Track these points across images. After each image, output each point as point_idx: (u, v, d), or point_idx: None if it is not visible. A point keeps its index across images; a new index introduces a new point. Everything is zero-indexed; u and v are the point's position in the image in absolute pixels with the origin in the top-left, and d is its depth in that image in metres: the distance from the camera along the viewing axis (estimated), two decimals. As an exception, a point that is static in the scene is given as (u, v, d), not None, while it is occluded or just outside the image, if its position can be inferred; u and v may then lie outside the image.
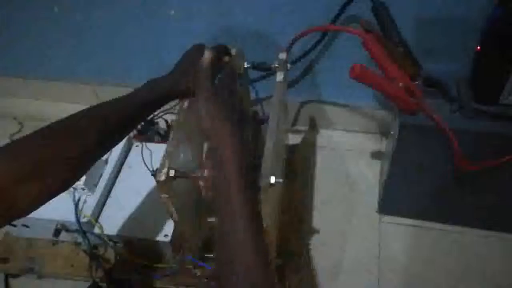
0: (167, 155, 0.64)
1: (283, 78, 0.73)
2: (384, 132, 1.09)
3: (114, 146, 0.59)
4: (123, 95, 0.60)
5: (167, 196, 0.63)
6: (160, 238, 0.82)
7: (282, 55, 0.75)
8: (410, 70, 0.72)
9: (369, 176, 1.01)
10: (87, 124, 0.55)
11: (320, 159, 1.06)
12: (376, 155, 1.05)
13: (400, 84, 0.68)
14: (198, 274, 0.83)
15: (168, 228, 0.82)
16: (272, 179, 0.60)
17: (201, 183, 0.61)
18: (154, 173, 0.62)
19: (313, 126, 1.12)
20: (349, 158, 1.05)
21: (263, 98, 0.86)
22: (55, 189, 0.51)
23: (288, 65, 0.76)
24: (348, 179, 1.02)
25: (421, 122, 0.72)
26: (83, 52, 1.11)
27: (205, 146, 0.68)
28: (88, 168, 0.57)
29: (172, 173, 0.62)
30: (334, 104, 1.08)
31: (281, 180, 0.59)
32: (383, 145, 1.07)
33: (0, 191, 0.45)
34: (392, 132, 0.83)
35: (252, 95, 0.85)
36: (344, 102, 1.07)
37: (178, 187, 0.66)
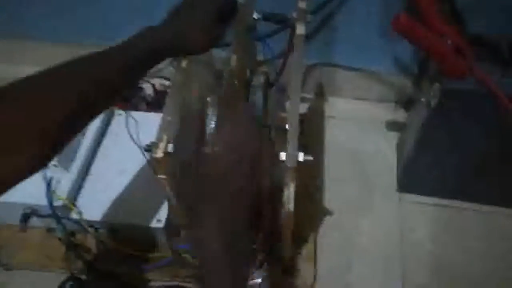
0: (164, 126, 0.50)
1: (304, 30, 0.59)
2: (399, 101, 0.97)
3: (99, 114, 0.46)
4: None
5: (164, 176, 0.50)
6: (152, 224, 0.70)
7: (302, 4, 0.61)
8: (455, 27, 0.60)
9: (385, 150, 0.90)
10: (67, 84, 0.42)
11: (330, 131, 0.94)
12: (392, 126, 0.93)
13: (449, 42, 0.56)
14: (196, 264, 0.71)
15: (161, 212, 0.70)
16: (301, 156, 0.47)
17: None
18: (149, 149, 0.49)
19: (321, 94, 1.00)
20: (362, 130, 0.94)
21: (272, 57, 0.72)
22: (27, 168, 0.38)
23: (309, 16, 0.62)
24: (361, 154, 0.90)
25: (468, 88, 0.60)
26: (60, 8, 0.94)
27: (210, 114, 0.55)
28: (68, 141, 0.43)
29: (171, 148, 0.49)
30: (346, 68, 0.95)
31: (311, 158, 0.47)
32: (399, 115, 0.95)
33: None
34: (423, 100, 0.72)
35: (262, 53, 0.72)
36: (357, 66, 0.94)
37: (177, 165, 0.53)
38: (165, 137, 0.49)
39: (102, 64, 0.44)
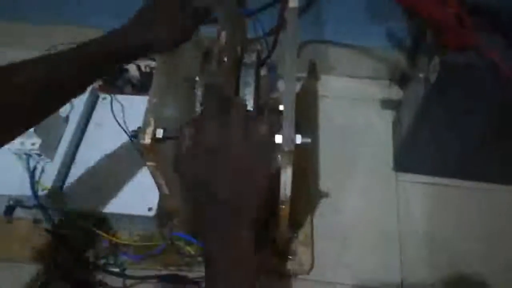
0: (151, 109, 0.47)
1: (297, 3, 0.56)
2: (393, 78, 0.94)
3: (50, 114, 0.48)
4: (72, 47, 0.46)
5: (154, 164, 0.47)
6: (143, 212, 0.67)
7: (294, -25, 0.58)
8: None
9: (380, 128, 0.88)
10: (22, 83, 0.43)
11: (323, 110, 0.91)
12: (386, 104, 0.91)
13: (450, 10, 0.53)
14: (190, 252, 0.69)
15: (152, 199, 0.67)
16: (298, 139, 0.44)
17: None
18: (135, 134, 0.46)
19: (313, 72, 0.96)
20: (356, 108, 0.91)
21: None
22: None
23: (301, -11, 0.58)
24: (356, 133, 0.88)
25: (468, 62, 0.58)
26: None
27: (198, 95, 0.51)
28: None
29: (160, 133, 0.45)
30: (338, 44, 0.91)
31: (309, 140, 0.44)
32: (393, 92, 0.93)
33: None
34: (420, 75, 0.69)
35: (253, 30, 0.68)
36: (349, 42, 0.91)
37: (167, 150, 0.50)
38: (152, 121, 0.46)
39: (55, 67, 0.45)
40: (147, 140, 0.45)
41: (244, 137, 0.39)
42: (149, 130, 0.45)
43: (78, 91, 0.49)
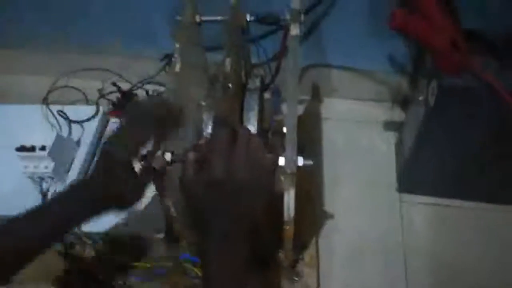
0: (160, 134, 0.49)
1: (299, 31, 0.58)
2: (395, 100, 0.96)
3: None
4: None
5: (163, 186, 0.49)
6: (151, 234, 0.68)
7: (296, 4, 0.61)
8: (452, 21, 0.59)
9: (383, 149, 0.89)
10: None
11: (326, 132, 0.93)
12: (389, 125, 0.93)
13: (446, 36, 0.55)
14: (197, 273, 0.70)
15: (160, 221, 0.68)
16: (300, 161, 0.46)
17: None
18: (144, 158, 0.48)
19: (316, 95, 0.99)
20: (359, 130, 0.93)
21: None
22: None
23: (302, 16, 0.61)
24: (359, 154, 0.89)
25: (466, 84, 0.60)
26: (40, 14, 0.92)
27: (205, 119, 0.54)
28: None
29: (168, 157, 0.47)
30: (340, 68, 0.94)
31: (311, 162, 0.46)
32: (396, 114, 0.94)
33: None
34: (420, 98, 0.71)
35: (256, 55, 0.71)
36: (352, 66, 0.93)
37: (174, 173, 0.52)
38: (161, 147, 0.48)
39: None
40: (157, 163, 0.47)
41: (247, 171, 0.41)
42: (158, 155, 0.47)
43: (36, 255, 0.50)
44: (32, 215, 0.48)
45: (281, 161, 0.45)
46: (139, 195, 0.49)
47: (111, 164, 0.46)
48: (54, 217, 0.48)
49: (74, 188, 0.49)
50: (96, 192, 0.48)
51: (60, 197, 0.50)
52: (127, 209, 0.50)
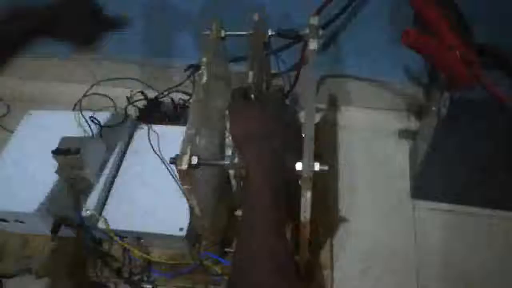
0: (188, 139, 0.54)
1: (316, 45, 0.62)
2: (411, 109, 0.99)
3: None
4: None
5: (189, 187, 0.54)
6: (175, 232, 0.73)
7: (314, 20, 0.65)
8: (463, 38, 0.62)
9: (398, 157, 0.92)
10: None
11: (343, 140, 0.97)
12: (404, 134, 0.96)
13: (457, 53, 0.58)
14: (218, 271, 0.74)
15: (183, 220, 0.73)
16: (316, 166, 0.50)
17: (231, 172, 0.51)
18: (174, 161, 0.52)
19: (333, 104, 1.02)
20: (375, 138, 0.96)
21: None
22: None
23: (321, 32, 0.65)
24: (375, 162, 0.92)
25: (476, 97, 0.63)
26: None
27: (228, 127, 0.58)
28: None
29: (195, 160, 0.52)
30: (357, 78, 0.97)
31: (326, 167, 0.50)
32: (411, 123, 0.97)
33: None
34: (433, 109, 0.74)
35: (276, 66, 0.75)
36: (367, 76, 0.97)
37: (200, 176, 0.56)
38: (188, 150, 0.52)
39: None
40: (184, 166, 0.51)
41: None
42: (186, 158, 0.52)
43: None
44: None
45: (299, 166, 0.49)
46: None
47: None
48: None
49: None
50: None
51: None
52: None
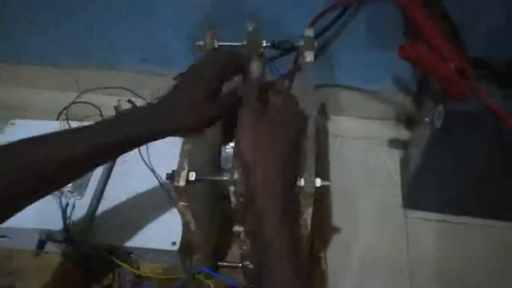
0: (185, 155, 0.52)
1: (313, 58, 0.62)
2: (400, 119, 1.00)
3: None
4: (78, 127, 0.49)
5: (186, 204, 0.52)
6: (167, 246, 0.71)
7: (309, 32, 0.64)
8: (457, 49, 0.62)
9: (389, 167, 0.92)
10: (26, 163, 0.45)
11: (334, 149, 0.96)
12: (395, 143, 0.96)
13: (452, 65, 0.59)
14: (211, 285, 0.72)
15: (175, 234, 0.71)
16: (318, 182, 0.49)
17: (231, 188, 0.49)
18: (170, 177, 0.51)
19: (323, 113, 1.02)
20: (366, 148, 0.96)
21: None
22: None
23: (315, 43, 0.65)
24: (366, 171, 0.92)
25: (471, 110, 0.63)
26: (61, 31, 0.95)
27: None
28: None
29: (193, 176, 0.50)
30: (347, 87, 0.98)
31: (328, 183, 0.49)
32: (401, 132, 0.98)
33: None
34: (426, 120, 0.74)
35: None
36: (358, 86, 0.97)
37: (195, 191, 0.55)
38: (186, 165, 0.51)
39: (69, 146, 0.46)
40: (182, 182, 0.50)
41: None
42: (184, 173, 0.50)
43: (87, 171, 0.52)
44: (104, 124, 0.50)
45: (301, 182, 0.48)
46: (211, 122, 0.50)
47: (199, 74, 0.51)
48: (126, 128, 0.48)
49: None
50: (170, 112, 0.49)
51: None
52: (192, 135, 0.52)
